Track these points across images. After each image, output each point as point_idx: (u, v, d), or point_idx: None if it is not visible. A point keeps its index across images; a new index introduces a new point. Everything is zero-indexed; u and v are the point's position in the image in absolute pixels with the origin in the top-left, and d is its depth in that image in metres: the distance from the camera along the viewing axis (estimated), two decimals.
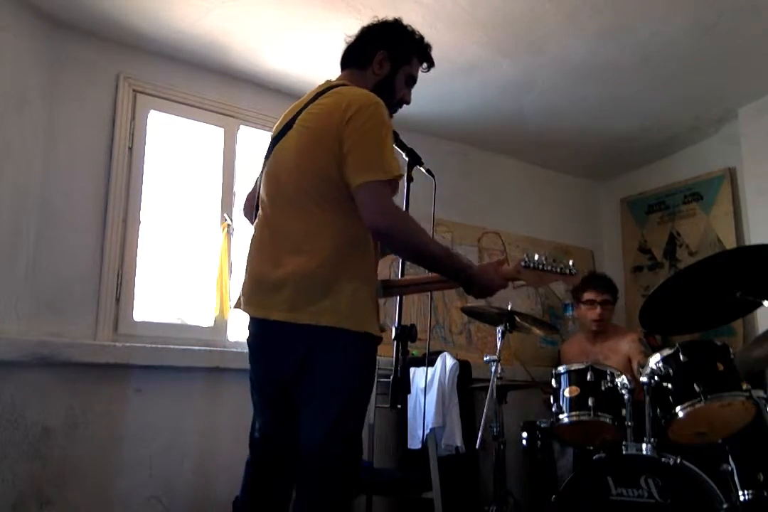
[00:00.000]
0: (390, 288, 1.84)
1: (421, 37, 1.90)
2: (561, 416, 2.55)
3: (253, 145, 3.29)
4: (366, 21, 2.74)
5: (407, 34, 1.87)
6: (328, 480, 1.64)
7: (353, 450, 1.68)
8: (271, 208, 1.76)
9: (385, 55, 1.82)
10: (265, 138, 3.32)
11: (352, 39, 1.89)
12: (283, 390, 1.73)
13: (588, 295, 3.47)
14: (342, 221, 1.65)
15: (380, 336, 1.72)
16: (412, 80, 1.90)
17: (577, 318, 3.90)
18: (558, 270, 1.80)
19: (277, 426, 1.80)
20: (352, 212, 1.62)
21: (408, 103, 1.91)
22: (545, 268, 1.79)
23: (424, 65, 1.93)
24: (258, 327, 1.76)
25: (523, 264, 1.77)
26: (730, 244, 3.74)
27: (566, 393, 2.58)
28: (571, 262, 1.84)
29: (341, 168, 1.61)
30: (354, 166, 1.59)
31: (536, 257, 1.79)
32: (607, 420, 2.48)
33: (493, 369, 2.67)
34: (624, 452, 2.39)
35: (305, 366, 1.65)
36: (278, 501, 1.80)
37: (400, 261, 1.91)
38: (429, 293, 3.28)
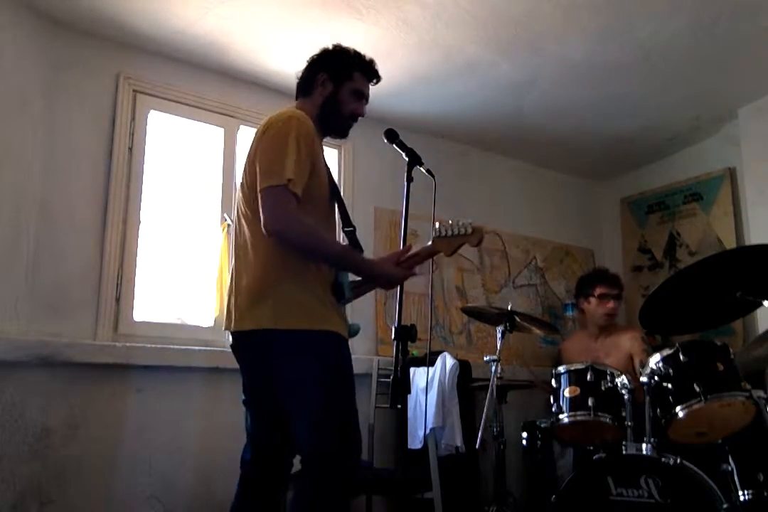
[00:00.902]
0: (354, 289, 1.95)
1: (360, 55, 2.01)
2: (561, 416, 2.55)
3: None
4: (367, 21, 2.77)
5: (344, 54, 2.01)
6: (322, 479, 1.67)
7: (343, 446, 1.70)
8: (237, 225, 1.92)
9: (326, 76, 1.97)
10: None
11: (299, 74, 2.05)
12: (266, 397, 1.82)
13: (601, 289, 3.49)
14: None
15: (332, 330, 1.75)
16: (359, 94, 2.00)
17: (577, 317, 3.89)
18: (459, 233, 1.91)
19: (262, 429, 1.86)
20: None
21: (362, 115, 2.03)
22: (449, 233, 1.90)
23: (373, 80, 2.05)
24: (231, 337, 1.87)
25: (434, 235, 1.91)
26: (730, 244, 3.74)
27: (566, 393, 2.58)
28: (469, 220, 1.94)
29: None
30: (258, 175, 1.74)
31: (443, 226, 1.91)
32: (607, 420, 2.48)
33: (493, 369, 2.67)
34: (624, 452, 2.39)
35: (271, 374, 1.75)
36: (268, 503, 1.82)
37: None
38: (429, 293, 3.30)
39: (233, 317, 1.80)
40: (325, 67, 1.97)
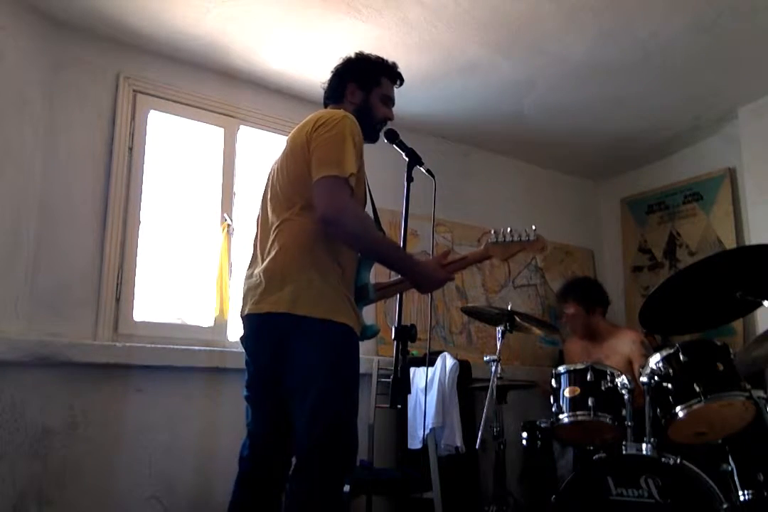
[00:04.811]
0: (380, 290, 1.98)
1: (384, 60, 2.08)
2: (561, 416, 2.55)
3: (253, 145, 3.29)
4: (367, 21, 2.77)
5: (370, 61, 2.07)
6: (317, 472, 1.66)
7: (340, 439, 1.70)
8: (262, 221, 1.93)
9: (355, 85, 2.01)
10: (265, 138, 3.34)
11: (326, 83, 2.08)
12: (269, 389, 1.81)
13: (561, 307, 3.54)
14: (305, 218, 1.79)
15: (346, 324, 1.75)
16: (387, 99, 2.07)
17: None
18: (520, 239, 1.96)
19: (263, 425, 1.85)
20: (314, 210, 1.75)
21: (391, 119, 2.07)
22: (506, 239, 1.96)
23: (397, 83, 2.10)
24: (242, 324, 1.89)
25: (490, 241, 1.96)
26: (730, 243, 3.74)
27: (566, 393, 2.58)
28: (534, 228, 1.97)
29: (309, 169, 1.77)
30: (315, 163, 1.76)
31: (501, 231, 1.96)
32: (607, 420, 2.48)
33: (493, 369, 2.67)
34: (624, 452, 2.38)
35: (279, 358, 1.74)
36: (266, 502, 1.81)
37: None
38: (429, 293, 3.29)
39: (249, 301, 1.81)
40: (354, 77, 2.02)
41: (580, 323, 3.43)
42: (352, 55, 2.09)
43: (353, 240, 1.78)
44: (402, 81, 2.11)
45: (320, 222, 1.72)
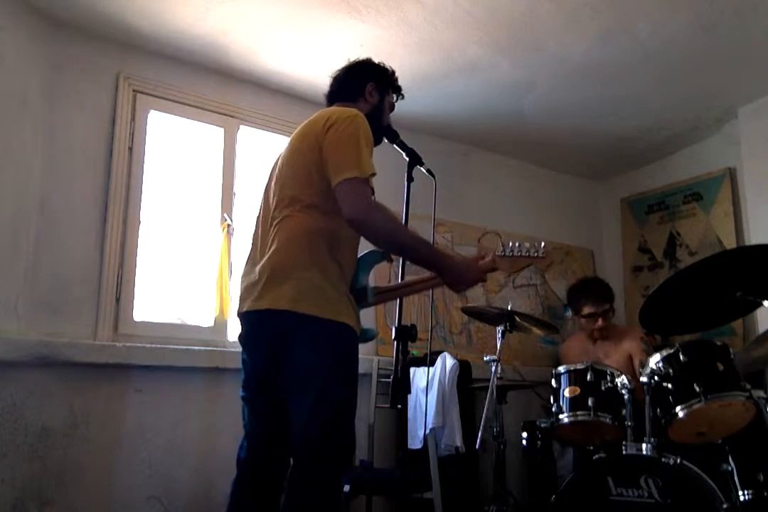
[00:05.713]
0: (381, 293, 1.96)
1: (393, 71, 2.14)
2: (561, 416, 2.55)
3: (253, 145, 3.29)
4: (367, 21, 2.77)
5: (384, 69, 2.13)
6: (314, 472, 1.66)
7: (338, 439, 1.69)
8: (263, 218, 1.93)
9: (374, 86, 2.05)
10: (265, 138, 3.33)
11: (335, 78, 2.10)
12: (266, 388, 1.80)
13: (588, 309, 3.42)
14: (305, 215, 1.79)
15: (347, 323, 1.75)
16: (392, 107, 2.14)
17: (576, 319, 3.88)
18: (528, 254, 1.95)
19: (260, 426, 1.84)
20: (322, 210, 1.78)
21: (391, 126, 2.11)
22: (514, 253, 1.95)
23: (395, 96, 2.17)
24: (240, 322, 1.88)
25: (498, 253, 1.94)
26: (730, 244, 3.74)
27: (566, 393, 2.58)
28: (542, 245, 1.97)
29: (321, 171, 1.77)
30: (333, 167, 1.75)
31: (510, 244, 1.95)
32: (607, 420, 2.48)
33: (493, 369, 2.67)
34: (624, 452, 2.38)
35: (278, 356, 1.73)
36: (264, 504, 1.81)
37: (401, 264, 1.98)
38: (429, 293, 3.30)
39: (248, 298, 1.79)
40: (373, 78, 2.06)
41: (610, 319, 3.43)
42: (366, 58, 2.12)
43: (384, 240, 1.78)
44: (401, 95, 2.16)
45: (349, 224, 1.71)
